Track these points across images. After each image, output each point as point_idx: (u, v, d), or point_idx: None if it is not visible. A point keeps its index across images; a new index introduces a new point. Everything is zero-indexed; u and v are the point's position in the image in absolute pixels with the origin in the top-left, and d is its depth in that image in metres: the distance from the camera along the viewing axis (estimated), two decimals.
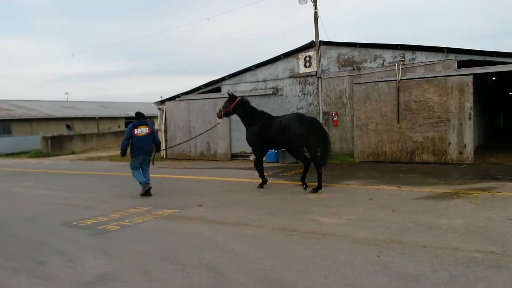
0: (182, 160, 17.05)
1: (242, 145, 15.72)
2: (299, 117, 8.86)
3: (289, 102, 14.51)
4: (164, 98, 17.93)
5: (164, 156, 17.83)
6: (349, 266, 4.29)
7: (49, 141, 23.47)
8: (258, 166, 9.32)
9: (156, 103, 18.13)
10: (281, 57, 14.48)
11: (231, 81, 15.91)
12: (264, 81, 15.04)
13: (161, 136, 18.00)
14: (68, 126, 31.06)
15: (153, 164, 9.83)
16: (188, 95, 17.12)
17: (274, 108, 14.84)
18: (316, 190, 8.39)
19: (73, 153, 24.13)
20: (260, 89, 15.13)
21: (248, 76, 15.44)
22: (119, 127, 34.74)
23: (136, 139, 9.07)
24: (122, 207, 7.87)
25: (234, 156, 16.03)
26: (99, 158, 20.14)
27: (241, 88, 15.61)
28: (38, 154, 23.35)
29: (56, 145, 23.71)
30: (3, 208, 8.30)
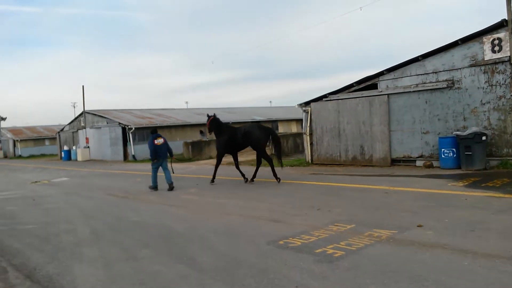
0: (330, 165, 15.69)
1: (405, 148, 13.76)
2: (259, 126, 12.52)
3: (469, 96, 12.11)
4: (309, 99, 16.82)
5: (310, 161, 16.71)
6: None
7: (190, 147, 24.29)
8: (217, 166, 12.73)
9: (300, 104, 17.13)
10: (459, 42, 12.17)
11: (390, 75, 14.06)
12: (435, 72, 12.86)
13: (306, 140, 16.95)
14: (201, 132, 32.24)
15: (173, 172, 12.31)
16: (337, 95, 15.72)
17: (449, 104, 12.60)
18: (252, 179, 12.26)
19: (210, 158, 24.59)
20: (430, 82, 12.99)
21: (413, 68, 13.42)
22: None
23: (157, 147, 11.98)
24: (318, 223, 6.73)
25: (394, 161, 14.11)
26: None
27: (404, 83, 13.66)
28: (180, 159, 24.27)
29: (196, 150, 24.44)
30: (187, 219, 7.81)
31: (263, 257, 5.16)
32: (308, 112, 16.72)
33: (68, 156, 34.04)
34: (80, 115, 33.93)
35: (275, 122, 37.96)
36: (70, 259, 5.51)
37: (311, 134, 16.62)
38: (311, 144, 16.63)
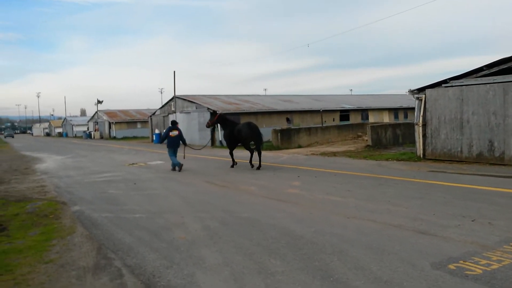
0: (448, 161, 13.60)
1: None
2: (248, 124, 14.30)
3: None
4: (425, 85, 14.74)
5: (421, 156, 14.72)
6: None
7: (279, 134, 23.33)
8: (231, 154, 14.86)
9: (412, 91, 15.12)
10: None
11: None
12: None
13: (418, 131, 14.94)
14: (288, 120, 31.21)
15: (184, 158, 15.12)
16: (460, 80, 13.50)
17: None
18: (259, 167, 13.79)
19: (299, 146, 23.45)
20: None
21: None
22: (333, 120, 33.32)
23: (170, 138, 14.31)
24: (485, 240, 5.21)
25: None
26: (334, 154, 18.48)
27: None
28: (269, 147, 23.45)
29: (285, 138, 23.42)
30: (306, 220, 6.68)
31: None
32: (421, 100, 14.67)
33: (159, 139, 35.15)
34: (170, 100, 34.73)
35: (364, 111, 35.60)
36: (190, 265, 4.67)
37: (424, 125, 14.59)
38: (424, 136, 14.61)
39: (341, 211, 7.18)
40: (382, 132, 21.34)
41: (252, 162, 14.25)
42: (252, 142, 14.14)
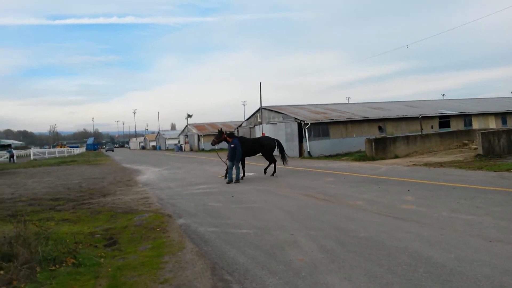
0: None
1: None
2: (268, 138, 17.44)
3: None
4: None
5: None
6: None
7: (373, 144, 21.94)
8: (243, 166, 16.19)
9: None
10: None
11: None
12: None
13: None
14: (380, 128, 29.48)
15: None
16: None
17: None
18: (272, 174, 16.39)
19: (396, 157, 21.80)
20: None
21: None
22: (432, 127, 30.72)
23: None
24: None
25: None
26: (441, 165, 16.70)
27: None
28: (362, 157, 22.20)
29: (380, 148, 21.94)
30: (440, 243, 5.69)
31: None
32: None
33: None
34: (257, 111, 34.98)
35: (468, 116, 32.34)
36: None
37: None
38: None
39: (479, 233, 6.06)
40: (495, 139, 18.92)
41: (268, 169, 16.69)
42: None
